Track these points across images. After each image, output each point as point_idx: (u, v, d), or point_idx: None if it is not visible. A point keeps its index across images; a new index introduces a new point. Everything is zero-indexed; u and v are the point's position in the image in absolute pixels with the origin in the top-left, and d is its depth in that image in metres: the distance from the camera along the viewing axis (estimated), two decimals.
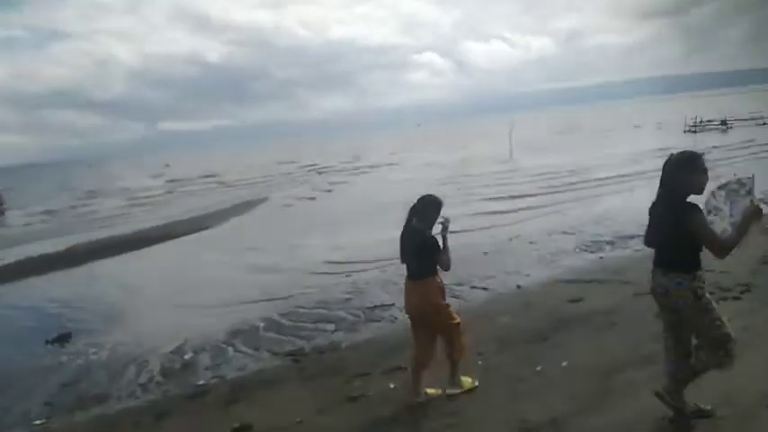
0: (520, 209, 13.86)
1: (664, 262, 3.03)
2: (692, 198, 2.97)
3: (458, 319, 4.13)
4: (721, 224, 2.98)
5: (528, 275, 7.98)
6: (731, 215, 2.97)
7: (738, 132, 31.60)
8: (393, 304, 7.34)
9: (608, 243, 9.33)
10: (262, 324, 7.17)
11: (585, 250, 9.04)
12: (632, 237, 9.51)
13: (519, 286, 7.48)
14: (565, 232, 10.54)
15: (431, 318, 4.06)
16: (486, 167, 25.67)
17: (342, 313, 7.27)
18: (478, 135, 67.49)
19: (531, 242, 10.05)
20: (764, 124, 33.35)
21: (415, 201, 4.03)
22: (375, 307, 7.34)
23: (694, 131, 34.81)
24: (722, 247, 2.85)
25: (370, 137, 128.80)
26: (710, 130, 35.06)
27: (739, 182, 3.02)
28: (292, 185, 27.83)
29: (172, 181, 42.50)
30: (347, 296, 8.01)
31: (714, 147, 22.32)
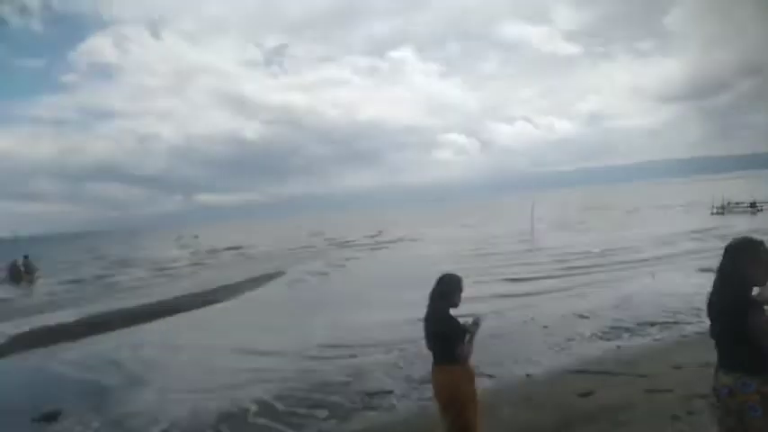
0: (537, 292, 13.34)
1: (727, 360, 2.71)
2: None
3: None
4: None
5: (538, 363, 7.53)
6: None
7: None
8: (392, 391, 6.97)
9: (626, 330, 8.82)
10: (254, 408, 6.83)
11: (602, 337, 8.55)
12: (653, 324, 9.02)
13: (528, 375, 7.04)
14: (581, 316, 10.06)
15: (458, 405, 3.76)
16: (507, 246, 25.32)
17: (338, 398, 6.90)
18: (500, 213, 67.51)
19: (545, 326, 9.58)
20: None
21: (435, 282, 3.84)
22: (374, 394, 6.95)
23: (722, 213, 34.00)
24: None
25: (395, 212, 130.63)
26: (739, 212, 34.16)
27: None
28: (312, 259, 27.87)
29: (197, 253, 43.29)
30: (347, 379, 7.65)
31: (751, 231, 21.56)
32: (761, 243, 2.68)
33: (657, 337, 8.26)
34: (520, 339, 8.84)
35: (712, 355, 6.74)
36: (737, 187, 62.35)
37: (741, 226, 25.75)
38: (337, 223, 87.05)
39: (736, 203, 36.19)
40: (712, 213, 34.08)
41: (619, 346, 7.94)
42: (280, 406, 6.85)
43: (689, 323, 8.83)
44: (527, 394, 6.14)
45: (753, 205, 34.38)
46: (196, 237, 74.53)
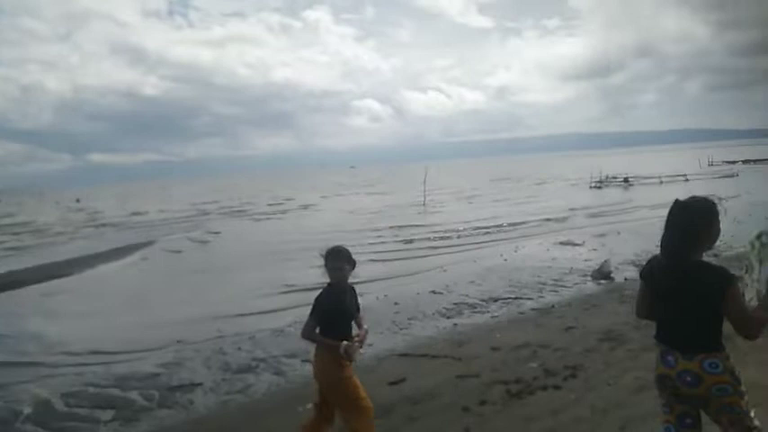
0: (407, 272, 12.78)
1: (683, 340, 2.24)
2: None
3: (365, 402, 3.42)
4: (749, 290, 2.25)
5: (370, 345, 7.14)
6: (758, 279, 2.25)
7: (637, 189, 33.64)
8: (201, 384, 6.25)
9: (469, 306, 8.75)
10: (28, 410, 5.81)
11: (444, 315, 8.39)
12: (496, 300, 9.05)
13: None
14: (434, 292, 9.93)
15: (325, 390, 3.47)
16: (400, 219, 25.06)
17: (135, 394, 6.06)
18: (409, 181, 68.23)
19: (396, 302, 9.31)
20: (661, 183, 35.73)
21: (325, 254, 3.46)
22: (177, 387, 6.19)
23: (599, 187, 36.73)
24: (753, 326, 2.13)
25: (312, 177, 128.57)
26: (614, 185, 37.15)
27: None
28: (187, 230, 25.79)
29: (69, 219, 39.27)
30: (158, 370, 6.81)
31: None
32: (716, 201, 2.36)
33: (496, 314, 8.24)
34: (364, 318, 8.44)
35: (532, 336, 6.73)
36: (624, 162, 68.21)
37: (614, 198, 27.93)
38: (243, 188, 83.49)
39: (613, 178, 39.33)
40: (591, 186, 36.72)
41: (456, 324, 7.80)
42: (62, 406, 5.89)
43: (529, 299, 8.97)
44: None
45: (626, 180, 37.50)
46: (77, 201, 67.92)
